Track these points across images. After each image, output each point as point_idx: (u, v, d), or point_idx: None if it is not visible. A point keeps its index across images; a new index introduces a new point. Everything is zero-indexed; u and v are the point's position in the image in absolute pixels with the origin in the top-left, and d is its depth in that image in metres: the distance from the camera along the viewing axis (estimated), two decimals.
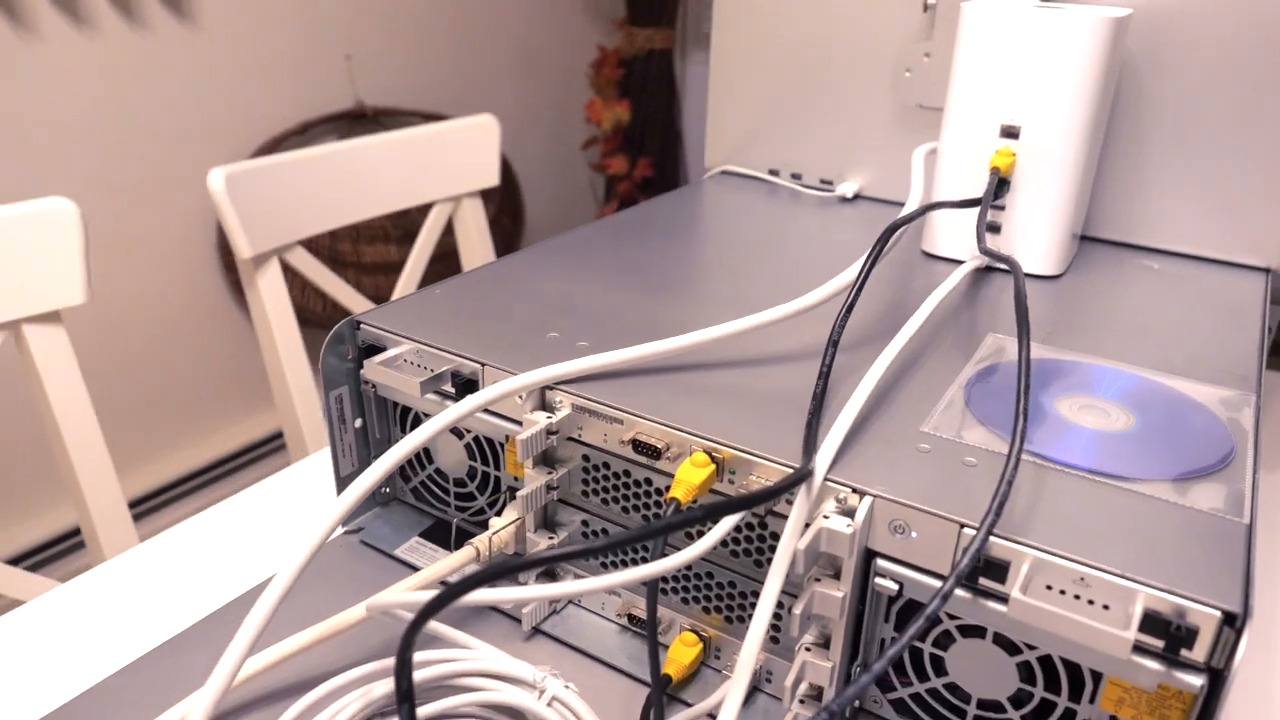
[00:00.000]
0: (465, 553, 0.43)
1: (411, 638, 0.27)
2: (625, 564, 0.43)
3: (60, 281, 0.77)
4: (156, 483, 1.68)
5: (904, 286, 0.54)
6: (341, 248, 1.74)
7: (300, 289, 1.69)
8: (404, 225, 1.77)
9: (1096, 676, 0.33)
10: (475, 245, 1.14)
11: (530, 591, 0.33)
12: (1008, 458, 0.33)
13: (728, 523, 0.35)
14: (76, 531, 1.55)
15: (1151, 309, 0.52)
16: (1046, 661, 0.34)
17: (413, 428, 0.50)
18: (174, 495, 1.70)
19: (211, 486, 1.75)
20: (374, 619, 0.42)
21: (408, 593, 0.37)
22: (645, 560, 0.36)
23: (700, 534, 0.36)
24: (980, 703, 0.36)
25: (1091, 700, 0.34)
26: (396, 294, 1.14)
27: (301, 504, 0.60)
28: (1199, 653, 0.30)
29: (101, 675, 0.41)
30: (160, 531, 0.55)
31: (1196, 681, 0.30)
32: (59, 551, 1.55)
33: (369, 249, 1.77)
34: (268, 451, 1.86)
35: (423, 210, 1.13)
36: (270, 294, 0.95)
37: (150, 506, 1.66)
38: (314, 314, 1.71)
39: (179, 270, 1.64)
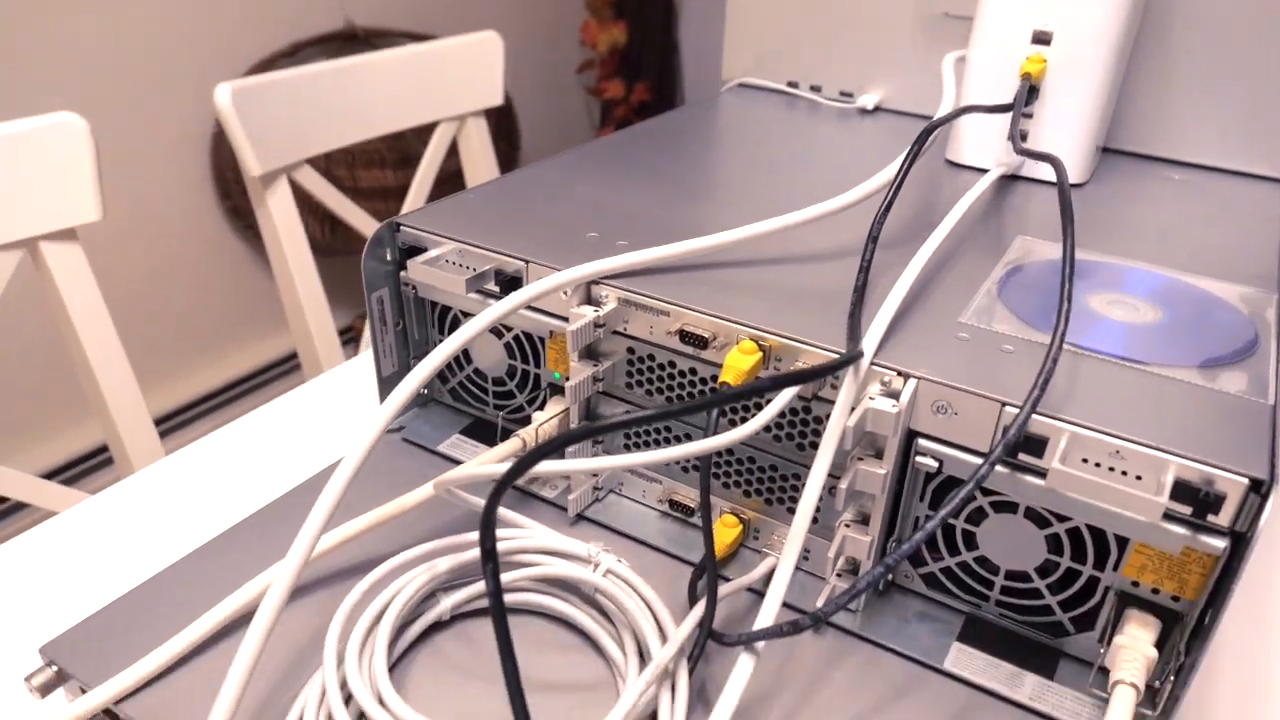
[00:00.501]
0: (513, 443, 0.45)
1: (496, 499, 0.29)
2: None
3: (73, 198, 0.77)
4: (172, 404, 1.69)
5: (932, 192, 0.55)
6: (338, 173, 1.73)
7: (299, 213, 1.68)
8: (400, 149, 1.75)
9: (1122, 545, 0.35)
10: (480, 166, 1.13)
11: (605, 461, 0.34)
12: (1053, 336, 0.35)
13: (786, 395, 0.36)
14: (103, 449, 1.57)
15: (1174, 215, 0.54)
16: (1074, 534, 0.36)
17: (450, 330, 0.51)
18: (191, 416, 1.72)
19: (228, 407, 1.77)
20: (431, 505, 0.44)
21: (476, 468, 0.39)
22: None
23: (743, 421, 0.38)
24: (1008, 574, 0.39)
25: (1115, 567, 0.36)
26: (408, 207, 1.14)
27: (321, 416, 0.61)
28: (1224, 518, 0.32)
29: (148, 573, 0.43)
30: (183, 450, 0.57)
31: (1220, 544, 0.33)
32: (87, 469, 1.58)
33: (365, 174, 1.76)
34: (282, 373, 1.87)
35: (419, 134, 1.13)
36: (281, 213, 0.95)
37: (169, 428, 1.68)
38: (315, 240, 1.71)
39: (175, 194, 1.62)
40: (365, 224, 1.07)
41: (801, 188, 0.56)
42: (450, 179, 1.55)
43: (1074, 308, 0.42)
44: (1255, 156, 0.61)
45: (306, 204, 1.49)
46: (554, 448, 0.28)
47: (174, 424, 1.69)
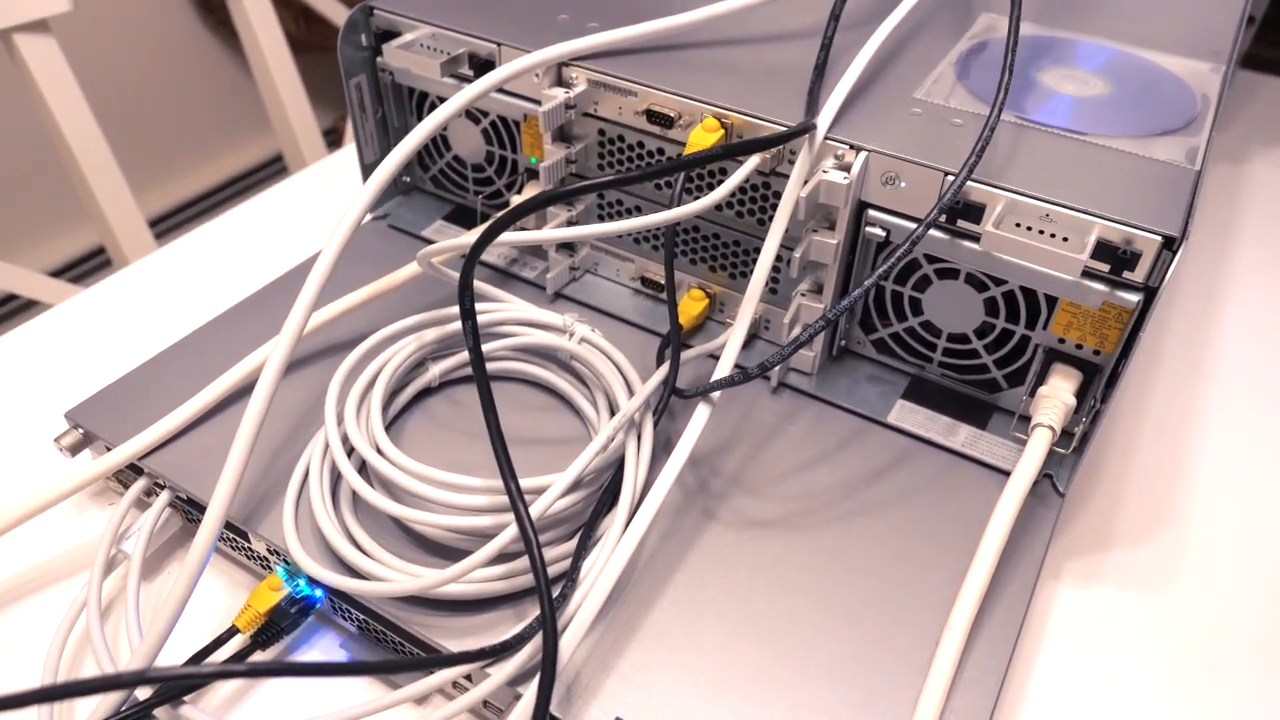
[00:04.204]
0: (510, 209, 0.47)
1: (474, 258, 0.32)
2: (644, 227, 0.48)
3: None
4: (165, 206, 1.70)
5: None
6: None
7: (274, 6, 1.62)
8: None
9: (1051, 305, 0.39)
10: None
11: (562, 233, 0.37)
12: (991, 109, 0.37)
13: (744, 168, 0.38)
14: (100, 251, 1.59)
15: None
16: (1009, 298, 0.40)
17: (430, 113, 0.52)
18: (185, 218, 1.73)
19: (222, 208, 1.77)
20: (419, 285, 0.47)
21: (455, 240, 0.41)
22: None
23: (709, 190, 0.40)
24: (949, 337, 0.42)
25: (1045, 326, 0.39)
26: None
27: (311, 205, 0.63)
28: (1139, 274, 0.35)
29: (158, 349, 0.46)
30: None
31: (1134, 299, 0.36)
32: (88, 270, 1.60)
33: None
34: (272, 174, 1.86)
35: None
36: (256, 9, 0.93)
37: (163, 229, 1.69)
38: (289, 34, 1.65)
39: None
40: (340, 15, 1.04)
41: None
42: None
43: (1027, 83, 0.43)
44: None
45: None
46: (520, 214, 0.31)
47: (168, 226, 1.70)
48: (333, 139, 1.85)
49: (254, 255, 0.58)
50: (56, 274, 1.56)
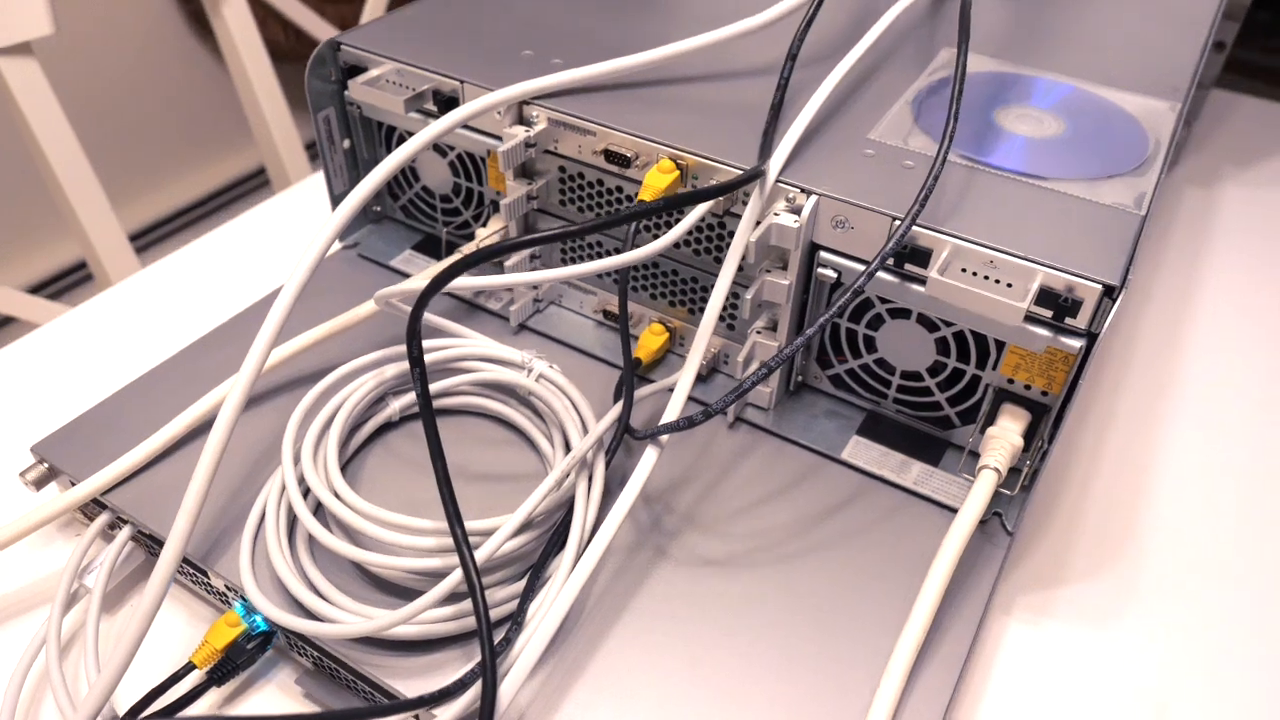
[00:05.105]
0: (456, 258, 0.48)
1: (420, 309, 0.32)
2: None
3: (23, 10, 0.76)
4: (148, 219, 1.71)
5: (864, 6, 0.55)
6: None
7: (260, 19, 1.62)
8: None
9: (999, 347, 0.39)
10: None
11: (516, 278, 0.38)
12: (936, 155, 0.37)
13: (695, 213, 0.39)
14: (83, 265, 1.60)
15: (1105, 23, 0.54)
16: (960, 338, 0.40)
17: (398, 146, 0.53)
18: (168, 231, 1.74)
19: (204, 222, 1.78)
20: (381, 318, 0.47)
21: (409, 283, 0.42)
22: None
23: (668, 229, 0.41)
24: (903, 374, 0.43)
25: (994, 367, 0.40)
26: (365, 17, 1.12)
27: (291, 227, 0.64)
28: (1081, 320, 0.35)
29: (128, 378, 0.47)
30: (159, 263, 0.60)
31: (1076, 344, 0.36)
32: (68, 284, 1.61)
33: None
34: (254, 187, 1.87)
35: None
36: (236, 22, 0.94)
37: (146, 243, 1.70)
38: (277, 45, 1.66)
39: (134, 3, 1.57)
40: (321, 28, 1.05)
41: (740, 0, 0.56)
42: None
43: (981, 123, 0.44)
44: None
45: (267, 8, 1.44)
46: (464, 267, 0.31)
47: (151, 239, 1.71)
48: (316, 151, 1.86)
49: (231, 280, 0.58)
50: (38, 288, 1.57)
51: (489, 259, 0.31)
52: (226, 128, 1.81)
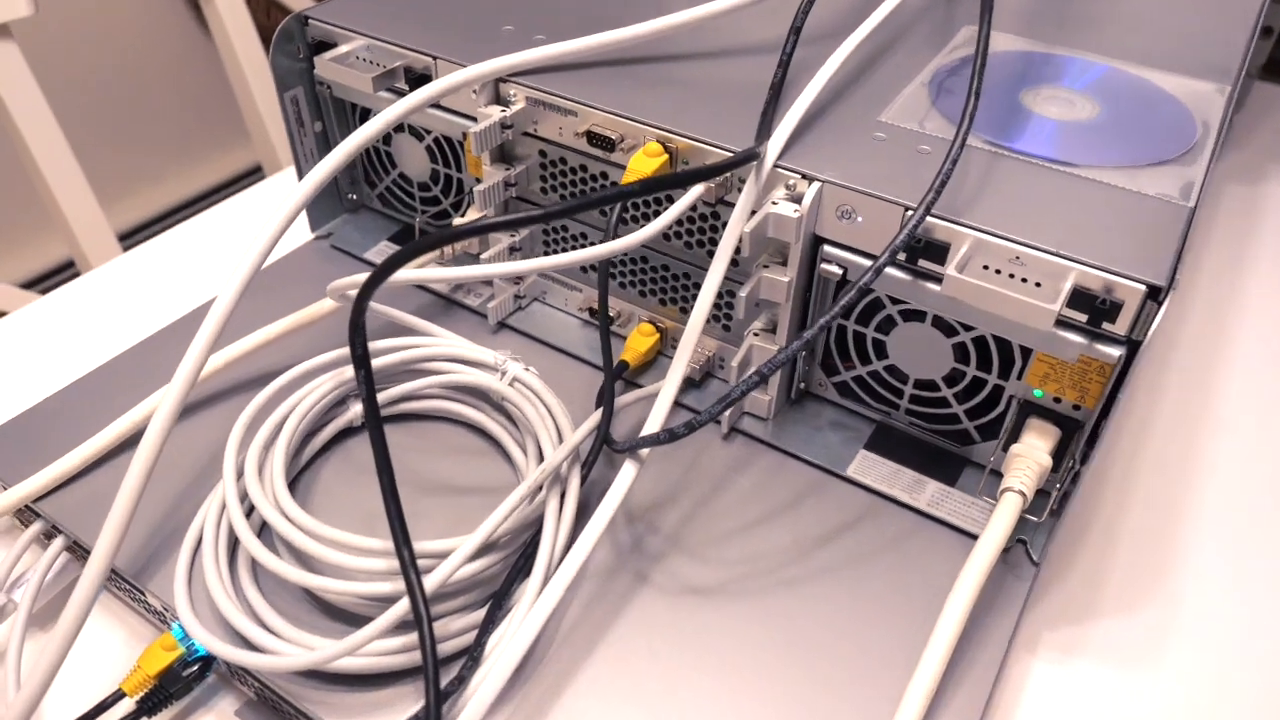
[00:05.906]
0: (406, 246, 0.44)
1: (364, 299, 0.28)
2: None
3: None
4: (139, 218, 1.68)
5: None
6: None
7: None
8: None
9: (1025, 354, 0.35)
10: None
11: (488, 269, 0.34)
12: (954, 137, 0.33)
13: (685, 199, 0.35)
14: (71, 264, 1.57)
15: (1141, 0, 0.50)
16: (980, 343, 0.36)
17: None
18: (159, 230, 1.71)
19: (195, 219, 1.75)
20: (343, 315, 0.43)
21: (358, 276, 0.38)
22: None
23: (654, 218, 0.36)
24: (916, 383, 0.38)
25: (1019, 376, 0.35)
26: None
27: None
28: (1121, 326, 0.31)
29: (82, 370, 0.43)
30: None
31: (1115, 353, 0.32)
32: (58, 282, 1.58)
33: None
34: (250, 185, 1.84)
35: None
36: (228, 10, 0.90)
37: (136, 241, 1.67)
38: (259, 25, 1.61)
39: None
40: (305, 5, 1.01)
41: None
42: None
43: (1006, 105, 0.39)
44: None
45: None
46: (412, 254, 0.27)
47: (142, 238, 1.68)
48: None
49: (202, 272, 0.54)
50: (28, 286, 1.54)
51: (442, 245, 0.27)
52: (224, 124, 1.77)
